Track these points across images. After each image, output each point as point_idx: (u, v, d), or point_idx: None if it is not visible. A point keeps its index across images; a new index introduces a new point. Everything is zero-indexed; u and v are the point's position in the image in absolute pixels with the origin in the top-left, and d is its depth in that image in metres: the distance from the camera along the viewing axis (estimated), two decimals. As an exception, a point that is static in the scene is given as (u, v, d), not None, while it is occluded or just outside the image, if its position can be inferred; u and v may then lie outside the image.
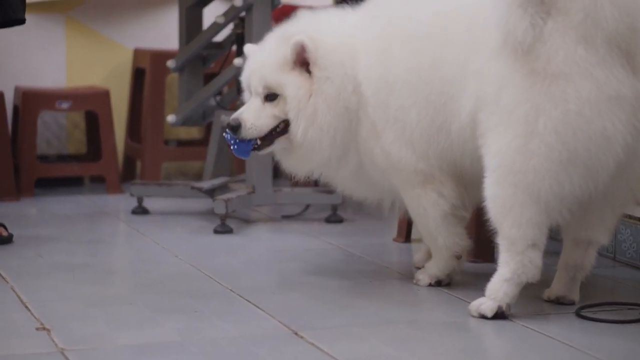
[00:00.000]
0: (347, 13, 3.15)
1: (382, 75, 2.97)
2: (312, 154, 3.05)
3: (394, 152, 2.98)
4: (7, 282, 3.17)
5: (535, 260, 2.74)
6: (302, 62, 3.01)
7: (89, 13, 5.22)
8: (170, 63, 4.34)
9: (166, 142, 5.22)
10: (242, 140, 3.03)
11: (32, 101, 4.84)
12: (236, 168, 4.94)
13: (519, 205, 2.70)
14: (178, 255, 3.55)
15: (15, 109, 4.99)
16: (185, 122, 4.34)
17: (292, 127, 3.02)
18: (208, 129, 5.11)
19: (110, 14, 5.25)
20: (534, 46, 2.64)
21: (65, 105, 4.90)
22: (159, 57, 4.93)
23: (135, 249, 3.75)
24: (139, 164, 5.22)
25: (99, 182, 5.06)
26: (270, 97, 3.03)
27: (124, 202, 4.64)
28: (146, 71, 5.08)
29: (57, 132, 5.23)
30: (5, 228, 3.74)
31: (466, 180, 3.02)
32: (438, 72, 2.88)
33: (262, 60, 3.07)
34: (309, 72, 3.01)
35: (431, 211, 3.04)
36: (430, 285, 3.12)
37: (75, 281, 3.22)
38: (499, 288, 2.78)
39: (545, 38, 2.64)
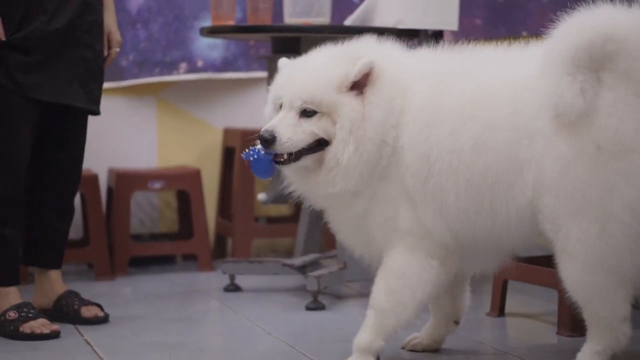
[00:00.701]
0: (413, 55, 3.03)
1: (425, 152, 2.85)
2: (341, 179, 2.87)
3: (429, 224, 2.87)
4: (104, 362, 3.22)
5: (627, 332, 2.75)
6: (362, 84, 2.88)
7: (179, 94, 5.33)
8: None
9: (256, 220, 5.27)
10: (268, 154, 2.85)
11: (125, 182, 4.94)
12: (327, 244, 4.96)
13: (610, 286, 2.71)
14: (271, 333, 3.56)
15: (109, 190, 5.09)
16: (275, 200, 4.38)
17: (337, 148, 2.85)
18: (297, 206, 5.15)
19: (200, 95, 5.35)
20: (592, 115, 2.62)
21: (157, 185, 4.99)
22: (248, 136, 4.99)
23: (229, 326, 3.77)
24: (229, 242, 5.27)
25: (191, 260, 5.12)
26: (309, 113, 2.86)
27: (215, 279, 4.68)
28: (236, 150, 5.15)
29: (149, 211, 5.32)
30: (101, 308, 3.79)
31: (485, 253, 2.97)
32: (481, 157, 2.79)
33: (312, 75, 2.89)
34: (361, 94, 2.87)
35: (430, 286, 2.92)
36: None
37: (170, 360, 3.25)
38: None
39: (610, 110, 2.62)
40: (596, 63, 2.64)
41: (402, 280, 2.90)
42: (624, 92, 2.62)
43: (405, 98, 2.89)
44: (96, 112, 3.82)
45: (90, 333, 3.60)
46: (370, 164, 2.87)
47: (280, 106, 2.92)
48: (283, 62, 3.06)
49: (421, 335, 3.27)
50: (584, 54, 2.63)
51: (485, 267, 3.06)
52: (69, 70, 3.68)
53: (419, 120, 2.86)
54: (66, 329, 3.65)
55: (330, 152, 2.86)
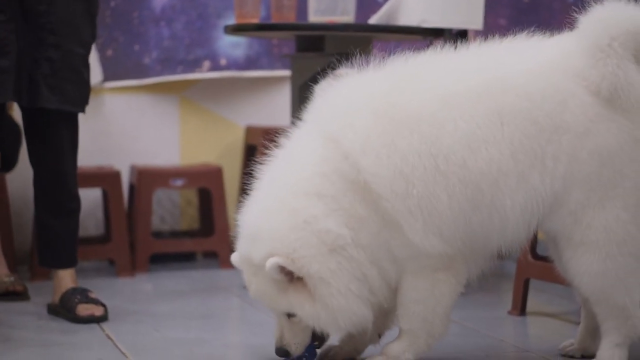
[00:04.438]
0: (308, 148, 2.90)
1: (395, 169, 2.74)
2: (352, 315, 2.79)
3: (419, 240, 2.76)
4: (127, 357, 3.22)
5: None
6: (290, 275, 2.77)
7: (202, 93, 5.34)
8: (283, 140, 4.38)
9: (278, 218, 5.25)
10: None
11: (147, 179, 4.94)
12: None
13: (632, 272, 2.77)
14: (292, 330, 3.55)
15: (131, 187, 5.11)
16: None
17: (321, 329, 2.83)
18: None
19: (223, 93, 5.36)
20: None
21: (179, 182, 5.00)
22: (271, 134, 4.99)
23: (250, 323, 3.77)
24: (250, 240, 5.27)
25: (211, 258, 5.12)
26: (291, 314, 2.84)
27: (236, 276, 4.58)
28: (258, 148, 5.15)
29: (170, 208, 5.33)
30: (105, 309, 3.75)
31: (475, 258, 2.88)
32: (480, 154, 2.74)
33: (260, 289, 2.88)
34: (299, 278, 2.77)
35: (447, 297, 2.86)
36: None
37: (192, 356, 3.25)
38: (612, 354, 2.82)
39: None
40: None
41: (419, 303, 2.85)
42: None
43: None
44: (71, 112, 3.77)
45: (112, 328, 3.60)
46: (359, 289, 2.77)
47: None
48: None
49: (341, 344, 3.07)
50: (636, 41, 2.73)
51: (472, 273, 2.93)
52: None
53: (371, 150, 2.75)
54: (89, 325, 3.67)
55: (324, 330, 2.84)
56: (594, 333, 3.03)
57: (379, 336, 3.07)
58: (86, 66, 3.79)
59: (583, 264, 2.78)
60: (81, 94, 3.78)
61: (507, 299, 3.87)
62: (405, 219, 2.74)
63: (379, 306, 2.85)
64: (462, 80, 2.82)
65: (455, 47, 2.91)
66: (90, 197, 5.01)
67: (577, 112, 2.74)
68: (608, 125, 2.74)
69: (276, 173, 2.91)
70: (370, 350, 3.04)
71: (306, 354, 2.91)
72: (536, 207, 2.77)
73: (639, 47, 2.74)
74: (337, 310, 2.75)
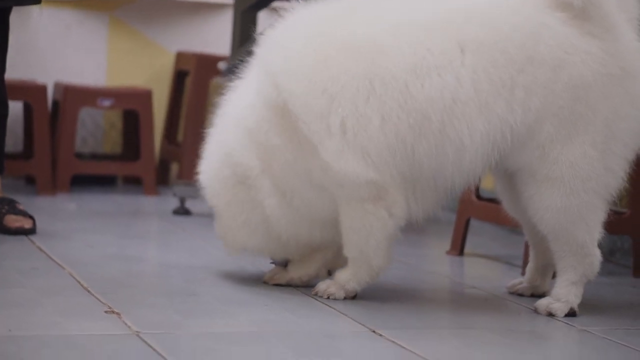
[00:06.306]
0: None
1: (318, 85, 2.70)
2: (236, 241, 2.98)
3: (336, 164, 2.70)
4: (64, 269, 3.10)
5: (599, 256, 2.83)
6: None
7: (133, 14, 5.18)
8: (222, 65, 4.29)
9: (204, 145, 5.16)
10: None
11: (74, 97, 4.77)
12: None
13: (594, 209, 2.78)
14: (231, 254, 3.48)
15: (54, 104, 4.93)
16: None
17: None
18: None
19: (154, 16, 5.21)
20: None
21: (107, 102, 4.84)
22: (205, 60, 4.89)
23: (186, 246, 3.67)
24: (173, 167, 5.17)
25: (133, 183, 5.00)
26: None
27: (160, 203, 4.58)
28: (190, 74, 5.03)
29: (93, 130, 5.17)
30: (34, 221, 3.62)
31: (423, 193, 2.80)
32: (429, 80, 2.68)
33: None
34: None
35: (378, 230, 2.78)
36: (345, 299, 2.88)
37: (132, 272, 3.15)
38: (568, 292, 2.82)
39: (618, 37, 2.74)
40: None
41: (353, 232, 2.80)
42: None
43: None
44: None
45: (42, 242, 3.47)
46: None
47: None
48: None
49: (288, 269, 3.03)
50: None
51: (417, 210, 2.85)
52: None
53: (294, 69, 2.74)
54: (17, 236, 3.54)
55: None
56: (543, 272, 3.04)
57: (329, 273, 3.02)
58: None
59: (546, 200, 2.77)
60: None
61: (441, 241, 3.86)
62: (321, 139, 2.70)
63: (280, 236, 2.87)
64: (418, 10, 2.78)
65: None
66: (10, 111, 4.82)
67: (552, 43, 2.72)
68: (583, 57, 2.73)
69: (228, 104, 2.95)
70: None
71: None
72: (501, 137, 2.72)
73: None
74: (226, 235, 2.96)
